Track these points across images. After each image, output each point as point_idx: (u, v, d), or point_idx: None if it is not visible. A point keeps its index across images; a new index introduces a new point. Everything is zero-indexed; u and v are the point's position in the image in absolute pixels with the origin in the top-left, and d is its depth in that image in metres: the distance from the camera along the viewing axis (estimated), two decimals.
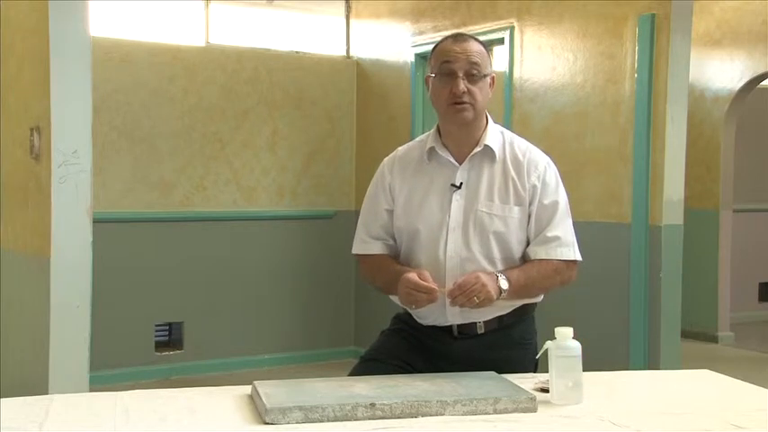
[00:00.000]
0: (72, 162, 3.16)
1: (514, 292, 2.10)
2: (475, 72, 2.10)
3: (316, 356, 5.82)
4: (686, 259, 4.43)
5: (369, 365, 2.19)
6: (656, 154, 4.23)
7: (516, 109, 4.91)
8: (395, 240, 2.24)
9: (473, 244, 2.14)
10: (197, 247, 5.57)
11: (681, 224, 4.32)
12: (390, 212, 2.23)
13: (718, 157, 6.77)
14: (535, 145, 2.27)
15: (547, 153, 2.25)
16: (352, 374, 2.16)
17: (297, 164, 5.94)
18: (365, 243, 2.26)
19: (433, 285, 2.03)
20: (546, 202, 2.16)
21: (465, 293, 2.01)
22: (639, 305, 4.26)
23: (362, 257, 2.28)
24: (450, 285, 2.08)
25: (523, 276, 2.12)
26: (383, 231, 2.24)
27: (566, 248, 2.16)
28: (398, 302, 2.15)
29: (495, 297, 2.04)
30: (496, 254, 2.15)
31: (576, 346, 1.88)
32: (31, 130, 3.29)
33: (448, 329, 2.18)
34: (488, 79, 2.15)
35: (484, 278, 2.04)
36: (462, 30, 5.19)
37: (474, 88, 2.10)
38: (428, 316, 2.19)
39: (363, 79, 6.13)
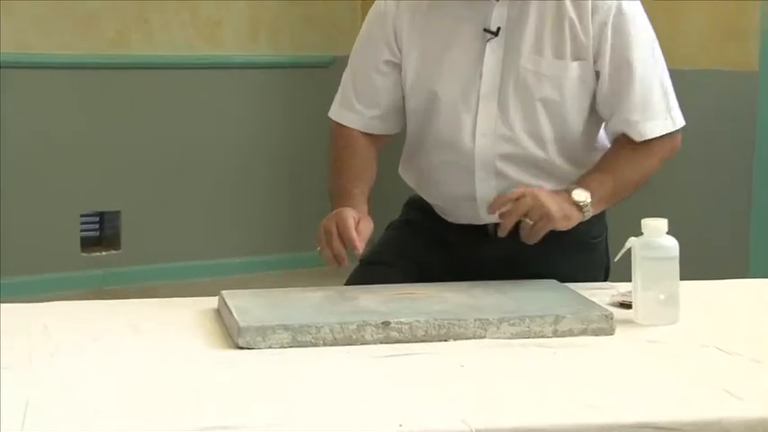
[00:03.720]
0: None
1: (601, 201, 2.11)
2: None
3: (300, 261, 5.85)
4: None
5: (371, 271, 2.23)
6: None
7: None
8: (383, 109, 2.24)
9: (514, 116, 2.14)
10: (138, 106, 5.57)
11: None
12: (392, 66, 2.22)
13: None
14: None
15: None
16: (348, 284, 2.19)
17: None
18: (341, 108, 2.29)
19: (354, 246, 2.03)
20: (622, 55, 2.13)
21: (510, 212, 2.00)
22: (765, 187, 4.26)
23: (336, 127, 2.29)
24: (480, 186, 2.14)
25: (609, 178, 2.12)
26: (370, 95, 2.24)
27: (660, 120, 2.16)
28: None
29: (557, 217, 2.03)
30: (547, 132, 2.15)
31: (672, 245, 1.88)
32: None
33: (481, 228, 2.20)
34: None
35: (540, 193, 2.02)
36: None
37: None
38: (453, 212, 2.22)
39: None
